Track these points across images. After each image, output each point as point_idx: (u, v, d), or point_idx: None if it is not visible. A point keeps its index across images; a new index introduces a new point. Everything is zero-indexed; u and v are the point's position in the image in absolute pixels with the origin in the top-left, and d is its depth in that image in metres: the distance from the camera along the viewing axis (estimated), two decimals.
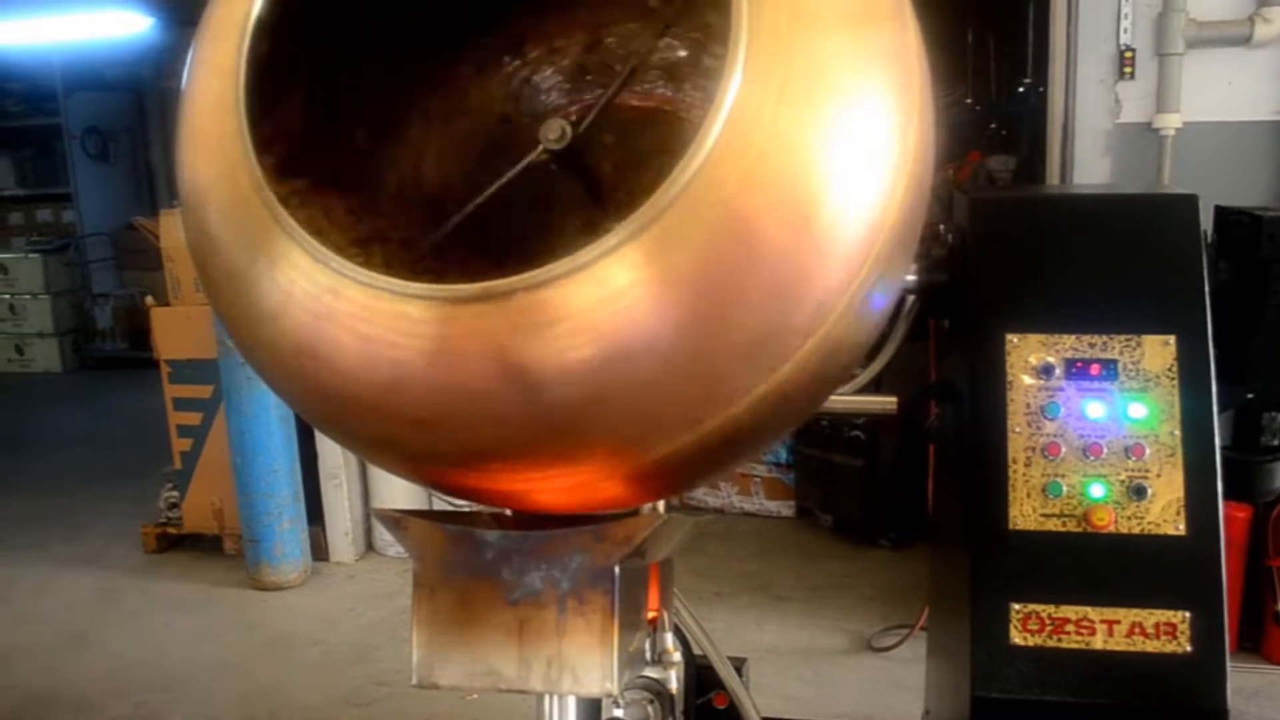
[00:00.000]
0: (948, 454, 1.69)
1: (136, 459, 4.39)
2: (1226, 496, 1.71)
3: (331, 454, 3.63)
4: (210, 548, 3.69)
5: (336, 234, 0.87)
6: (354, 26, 0.91)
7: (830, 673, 2.84)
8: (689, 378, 0.79)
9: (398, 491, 3.69)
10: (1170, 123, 2.89)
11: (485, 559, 0.92)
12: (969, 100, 5.74)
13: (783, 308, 0.80)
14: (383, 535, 3.75)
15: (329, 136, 0.92)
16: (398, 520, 0.96)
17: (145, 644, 3.09)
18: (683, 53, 1.16)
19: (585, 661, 0.89)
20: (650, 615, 1.09)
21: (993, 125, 5.47)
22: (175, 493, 3.65)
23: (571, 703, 0.99)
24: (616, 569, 0.89)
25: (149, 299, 3.53)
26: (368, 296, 0.75)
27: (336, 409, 0.82)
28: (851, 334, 0.89)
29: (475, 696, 2.77)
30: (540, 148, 0.98)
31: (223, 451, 3.46)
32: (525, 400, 0.76)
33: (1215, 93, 2.90)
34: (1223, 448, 1.56)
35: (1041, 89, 3.39)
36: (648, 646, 1.03)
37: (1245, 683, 2.77)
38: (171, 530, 3.69)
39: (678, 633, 1.46)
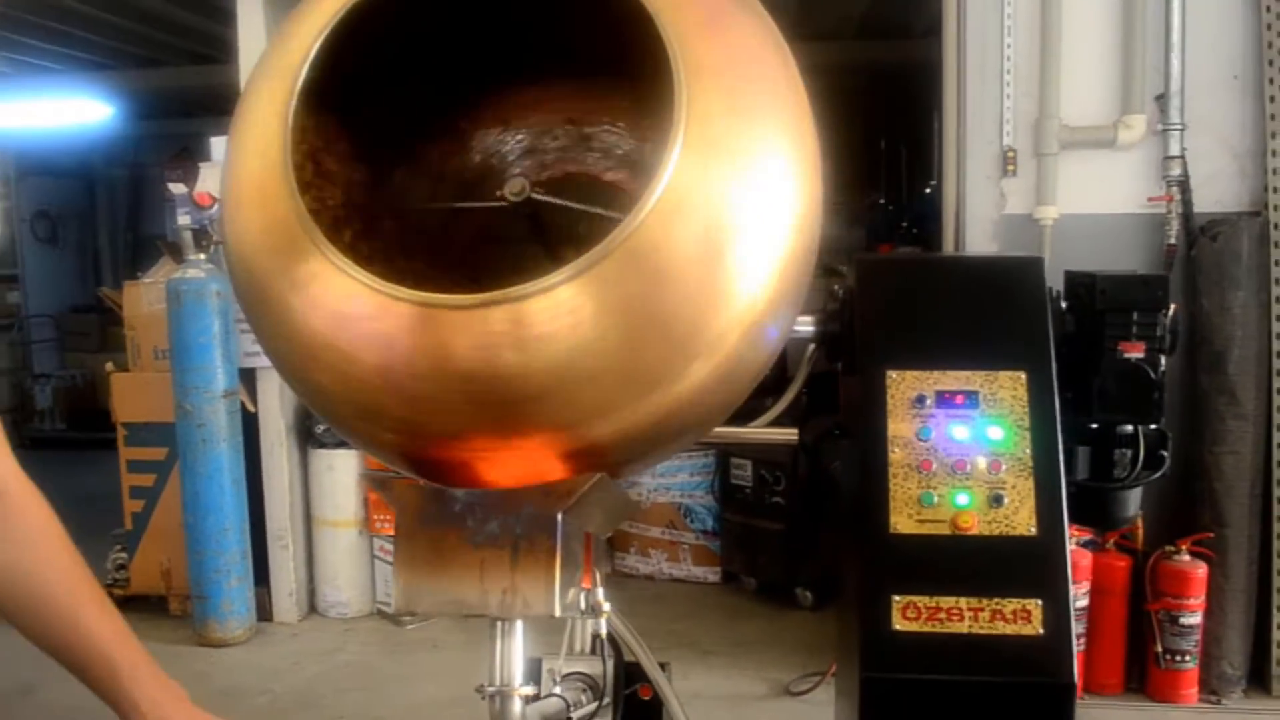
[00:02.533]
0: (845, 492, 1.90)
1: (81, 528, 4.43)
2: (1083, 521, 1.97)
3: (278, 517, 3.77)
4: (156, 608, 3.77)
5: (354, 253, 1.10)
6: (379, 84, 1.17)
7: (751, 714, 3.04)
8: (614, 381, 1.02)
9: (341, 555, 3.85)
10: (1049, 214, 3.24)
11: (454, 511, 1.14)
12: (882, 201, 6.17)
13: (692, 331, 1.04)
14: (325, 597, 3.88)
15: (345, 169, 1.17)
16: (384, 481, 1.17)
17: (91, 694, 3.16)
18: (625, 144, 1.44)
19: (533, 591, 1.11)
20: (585, 584, 1.31)
21: (903, 223, 5.89)
22: (124, 554, 3.75)
23: (519, 626, 1.20)
24: (559, 516, 1.12)
25: (109, 365, 3.68)
26: (380, 302, 0.98)
27: (348, 391, 1.05)
28: (750, 355, 1.13)
29: None
30: (501, 197, 1.24)
31: (172, 514, 3.59)
32: (492, 386, 1.00)
33: (1088, 188, 3.26)
34: (1081, 480, 1.83)
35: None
36: (583, 599, 1.25)
37: (1131, 717, 3.01)
38: (118, 591, 3.76)
39: (611, 639, 1.68)
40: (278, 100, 1.05)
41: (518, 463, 1.10)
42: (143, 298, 3.78)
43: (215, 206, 3.46)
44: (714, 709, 2.98)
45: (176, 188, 3.52)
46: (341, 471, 3.80)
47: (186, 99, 7.09)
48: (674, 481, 4.21)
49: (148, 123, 7.30)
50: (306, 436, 3.83)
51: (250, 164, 1.09)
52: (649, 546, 4.25)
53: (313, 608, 3.89)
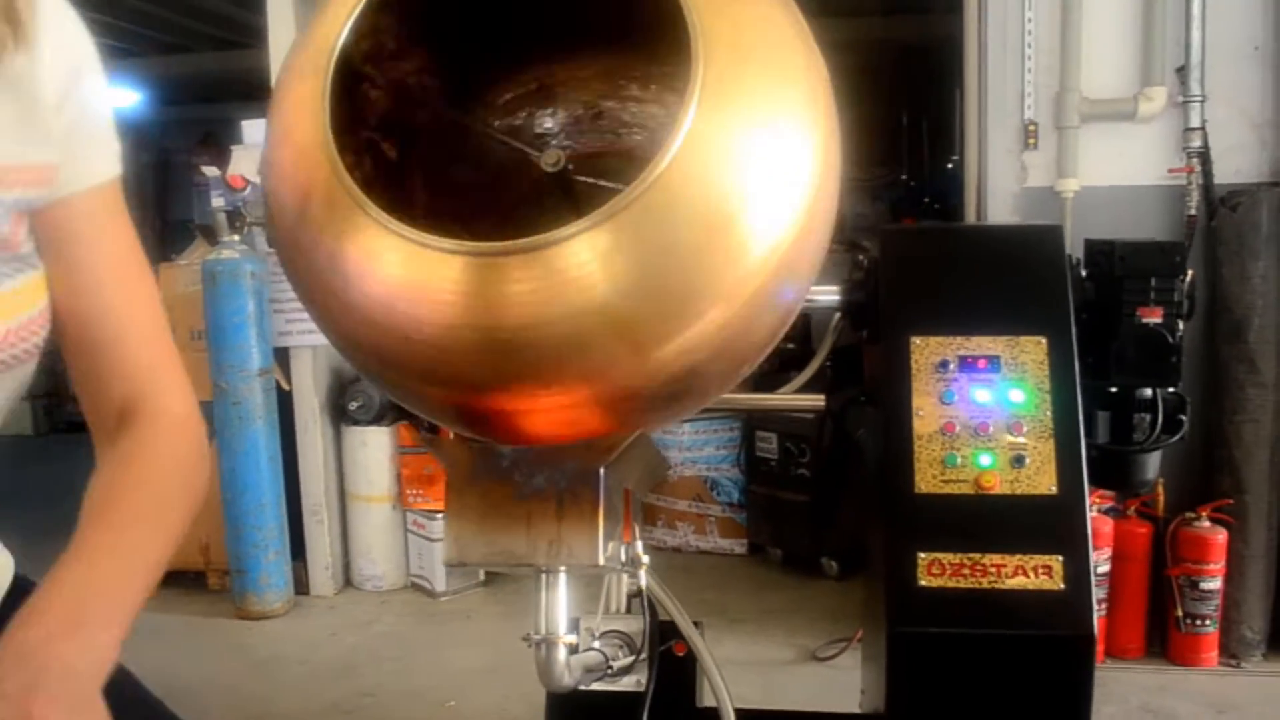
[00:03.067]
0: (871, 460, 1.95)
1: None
2: (1103, 483, 2.01)
3: (314, 492, 3.86)
4: (194, 584, 3.88)
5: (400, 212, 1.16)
6: (409, 58, 1.23)
7: (779, 679, 3.11)
8: (630, 327, 1.08)
9: (374, 529, 3.94)
10: (1070, 186, 3.28)
11: (502, 466, 1.21)
12: (904, 177, 6.20)
13: (704, 282, 1.10)
14: (360, 570, 3.97)
15: (378, 138, 1.23)
16: (435, 441, 1.24)
17: (140, 664, 3.27)
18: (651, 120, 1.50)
19: (578, 541, 1.18)
20: (625, 538, 1.38)
21: (926, 199, 5.92)
22: None
23: (563, 579, 1.27)
24: (601, 471, 1.19)
25: None
26: (419, 254, 1.04)
27: (398, 346, 1.11)
28: (765, 310, 1.19)
29: (453, 704, 3.00)
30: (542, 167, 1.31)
31: (211, 491, 3.68)
32: (529, 333, 1.06)
33: (1108, 160, 3.29)
34: (1101, 443, 1.88)
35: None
36: (623, 552, 1.32)
37: (1154, 680, 3.06)
38: None
39: (645, 599, 1.75)
40: (317, 70, 1.10)
41: (554, 413, 1.15)
42: (178, 280, 3.87)
43: (248, 188, 3.54)
44: (743, 673, 3.05)
45: (209, 170, 3.60)
46: (374, 448, 3.89)
47: (212, 84, 7.18)
48: (700, 455, 4.28)
49: (173, 109, 7.40)
50: (340, 414, 3.92)
51: (291, 134, 1.14)
52: (676, 519, 4.32)
53: (348, 581, 3.99)
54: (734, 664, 3.16)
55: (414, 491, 3.92)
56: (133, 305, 1.05)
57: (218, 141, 6.77)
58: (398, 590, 3.98)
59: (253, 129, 3.60)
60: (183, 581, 3.91)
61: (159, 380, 1.05)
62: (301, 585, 3.85)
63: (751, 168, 1.10)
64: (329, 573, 3.89)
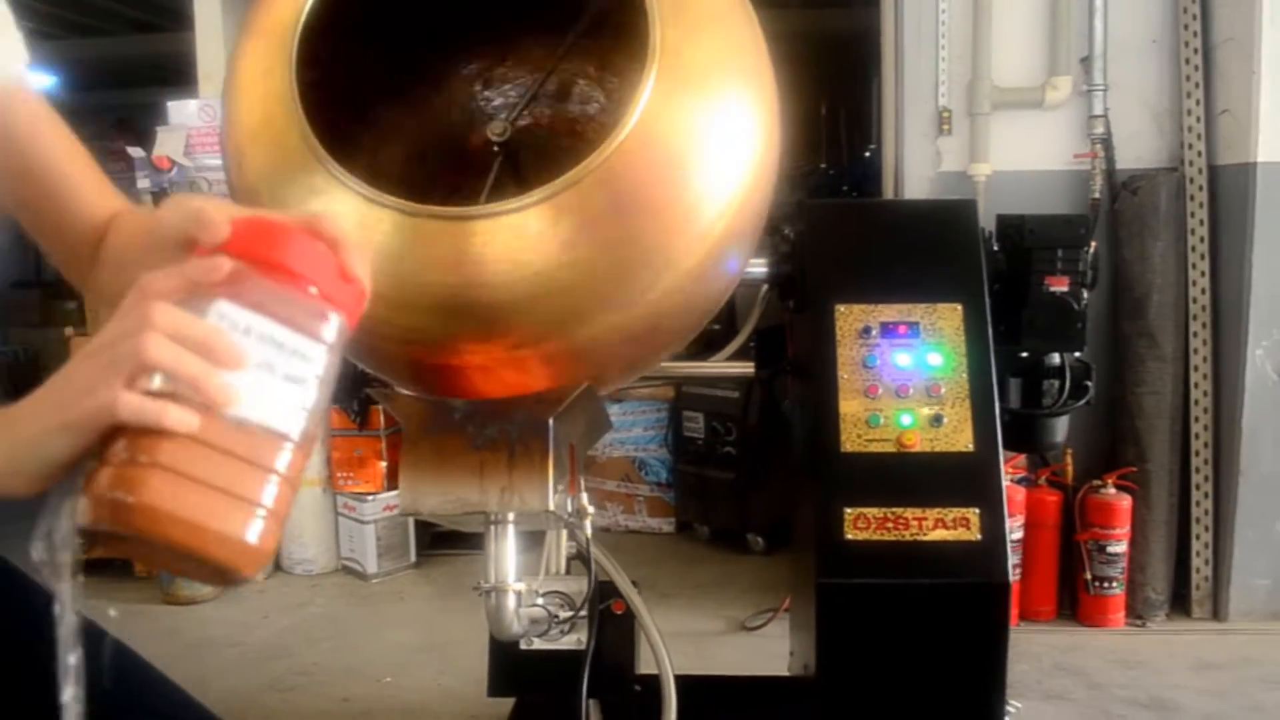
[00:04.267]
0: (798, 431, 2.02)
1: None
2: (1015, 446, 2.12)
3: None
4: (121, 571, 3.82)
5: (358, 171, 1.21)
6: (377, 25, 1.27)
7: (710, 649, 3.20)
8: (583, 290, 1.14)
9: (305, 513, 3.93)
10: (982, 171, 3.42)
11: (454, 419, 1.26)
12: (823, 165, 6.35)
13: (656, 250, 1.16)
14: (290, 554, 3.96)
15: (339, 102, 1.27)
16: (389, 396, 1.29)
17: None
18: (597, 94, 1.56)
19: (529, 488, 1.24)
20: (571, 490, 1.44)
21: (844, 187, 6.07)
22: None
23: (511, 531, 1.33)
24: (551, 422, 1.25)
25: (68, 330, 3.72)
26: (394, 217, 1.09)
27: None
28: (710, 279, 1.26)
29: (389, 679, 3.03)
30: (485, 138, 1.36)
31: None
32: (478, 294, 1.11)
33: (1018, 146, 3.44)
34: (1013, 408, 1.99)
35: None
36: (569, 503, 1.38)
37: (1063, 641, 3.22)
38: (81, 555, 3.79)
39: (584, 557, 1.81)
40: (282, 32, 1.13)
41: (505, 368, 1.21)
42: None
43: (174, 169, 3.50)
44: (676, 644, 3.07)
45: (135, 152, 3.55)
46: None
47: (128, 69, 7.03)
48: (628, 436, 4.35)
49: (87, 94, 7.22)
50: None
51: (254, 91, 1.18)
52: (605, 500, 4.39)
53: (278, 565, 3.98)
54: (667, 635, 3.20)
55: (344, 474, 3.92)
56: (69, 152, 1.06)
57: (133, 127, 6.62)
58: (329, 574, 3.98)
59: (179, 109, 3.56)
60: (109, 569, 3.86)
61: (110, 194, 1.08)
62: None
63: (703, 140, 1.16)
64: None
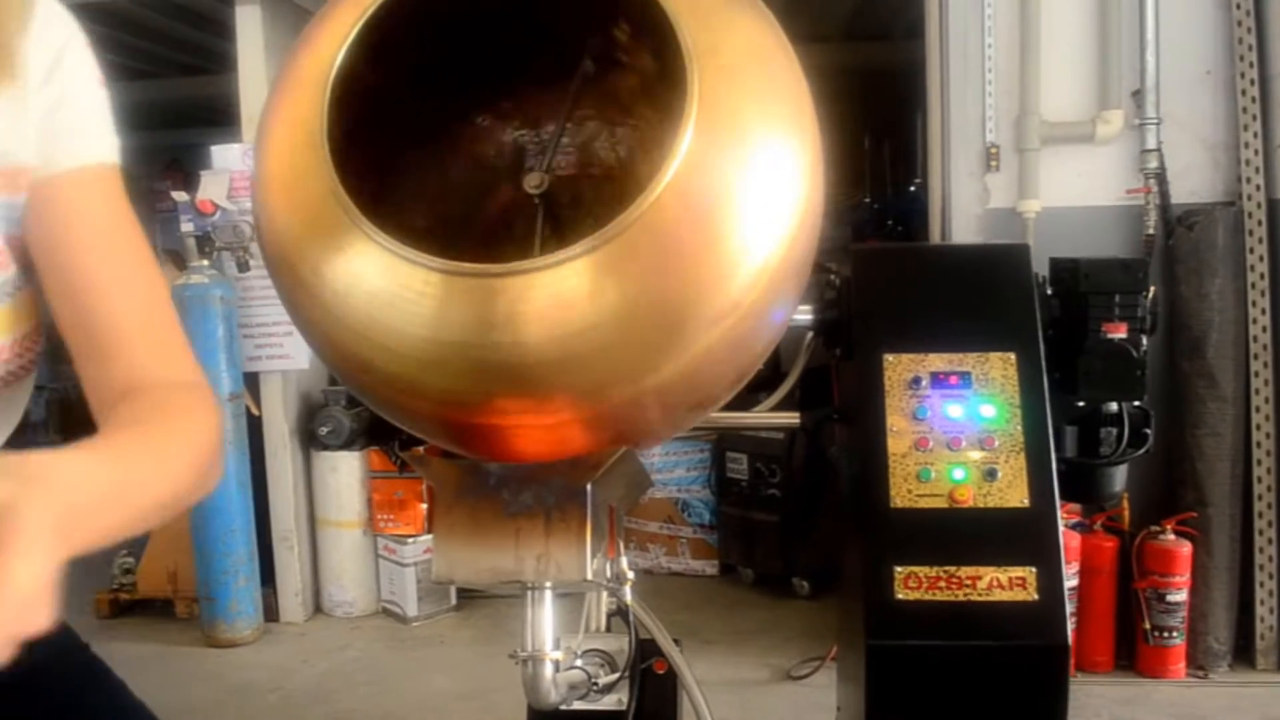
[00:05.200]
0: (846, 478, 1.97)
1: None
2: (1072, 496, 2.05)
3: (284, 518, 3.84)
4: (162, 612, 3.83)
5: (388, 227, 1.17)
6: (403, 80, 1.24)
7: (754, 699, 3.12)
8: (624, 349, 1.10)
9: (345, 555, 3.91)
10: (1031, 207, 3.35)
11: (489, 484, 1.22)
12: (867, 199, 6.29)
13: (696, 307, 1.12)
14: (330, 596, 3.94)
15: (366, 156, 1.24)
16: (421, 459, 1.25)
17: None
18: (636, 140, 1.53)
19: (566, 556, 1.19)
20: (609, 554, 1.39)
21: (889, 221, 6.00)
22: (130, 559, 3.81)
23: (549, 596, 1.28)
24: (589, 487, 1.20)
25: None
26: (426, 274, 1.06)
27: (387, 361, 1.12)
28: (753, 333, 1.21)
29: None
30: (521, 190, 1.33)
31: (179, 518, 3.65)
32: (514, 353, 1.07)
33: (1068, 181, 3.37)
34: (1069, 457, 1.92)
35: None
36: (608, 568, 1.33)
37: (1122, 693, 3.11)
38: (124, 596, 3.83)
39: (624, 616, 1.75)
40: (315, 85, 1.11)
41: (542, 430, 1.17)
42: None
43: (218, 213, 3.53)
44: (719, 694, 3.04)
45: (179, 195, 3.59)
46: (345, 473, 3.87)
47: (177, 111, 7.15)
48: (671, 477, 4.29)
49: (136, 135, 7.35)
50: (310, 439, 3.90)
51: (284, 150, 1.16)
52: (647, 541, 4.33)
53: (318, 608, 3.96)
54: (709, 685, 3.15)
55: (384, 516, 3.90)
56: (130, 286, 0.97)
57: (182, 168, 6.73)
58: (369, 616, 3.95)
59: (223, 154, 3.59)
60: (150, 609, 3.87)
61: (164, 360, 0.97)
62: (271, 612, 3.82)
63: (745, 191, 1.12)
64: (299, 599, 3.86)
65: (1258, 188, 3.22)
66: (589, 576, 1.19)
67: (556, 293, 1.07)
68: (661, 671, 1.87)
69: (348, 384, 1.29)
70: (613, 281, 1.08)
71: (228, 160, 3.57)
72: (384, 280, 1.09)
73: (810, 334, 1.96)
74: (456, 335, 1.08)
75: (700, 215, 1.10)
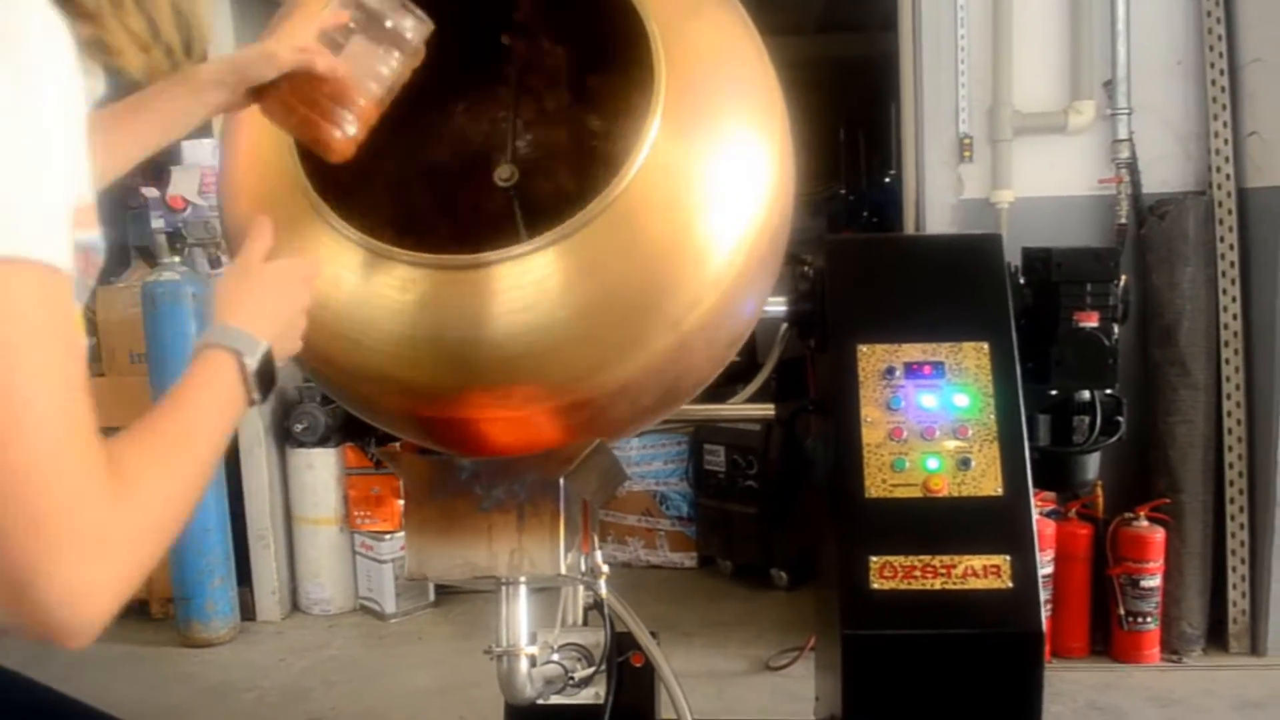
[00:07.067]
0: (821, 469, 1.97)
1: None
2: (1046, 484, 2.05)
3: (259, 516, 3.81)
4: (137, 613, 3.79)
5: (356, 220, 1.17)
6: None
7: (733, 690, 3.13)
8: (594, 340, 1.10)
9: (322, 552, 3.89)
10: (1004, 197, 3.36)
11: (461, 479, 1.22)
12: (843, 191, 6.30)
13: (668, 295, 1.12)
14: (307, 594, 3.92)
15: None
16: (394, 455, 1.24)
17: (84, 695, 3.19)
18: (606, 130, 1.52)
19: (539, 550, 1.19)
20: (584, 548, 1.39)
21: (864, 212, 6.01)
22: None
23: (523, 591, 1.28)
24: (561, 481, 1.20)
25: None
26: (395, 268, 1.05)
27: (355, 353, 1.11)
28: (724, 325, 1.20)
29: None
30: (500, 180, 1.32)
31: None
32: (485, 344, 1.07)
33: (1041, 171, 3.38)
34: (1043, 445, 1.92)
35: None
36: (582, 562, 1.33)
37: (1097, 678, 3.12)
38: None
39: (601, 609, 1.75)
40: None
41: (513, 422, 1.17)
42: (116, 303, 3.79)
43: (188, 209, 3.49)
44: (698, 685, 3.06)
45: (149, 191, 3.55)
46: (321, 469, 3.84)
47: None
48: (648, 469, 4.29)
49: None
50: (285, 436, 3.87)
51: (253, 143, 1.15)
52: (625, 534, 4.33)
53: (295, 605, 3.94)
54: (688, 676, 3.16)
55: (361, 513, 3.88)
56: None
57: (153, 163, 6.65)
58: (346, 613, 3.93)
59: (193, 149, 3.55)
60: (125, 611, 3.81)
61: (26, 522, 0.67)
62: (248, 611, 3.79)
63: (712, 181, 1.12)
64: (276, 598, 3.83)
65: (1228, 177, 3.24)
66: (563, 571, 1.19)
67: (524, 284, 1.07)
68: (639, 665, 1.87)
69: (316, 380, 1.28)
70: (580, 272, 1.08)
71: (198, 156, 3.53)
72: (351, 273, 1.09)
73: (785, 325, 1.96)
74: (425, 329, 1.08)
75: (668, 203, 1.10)
